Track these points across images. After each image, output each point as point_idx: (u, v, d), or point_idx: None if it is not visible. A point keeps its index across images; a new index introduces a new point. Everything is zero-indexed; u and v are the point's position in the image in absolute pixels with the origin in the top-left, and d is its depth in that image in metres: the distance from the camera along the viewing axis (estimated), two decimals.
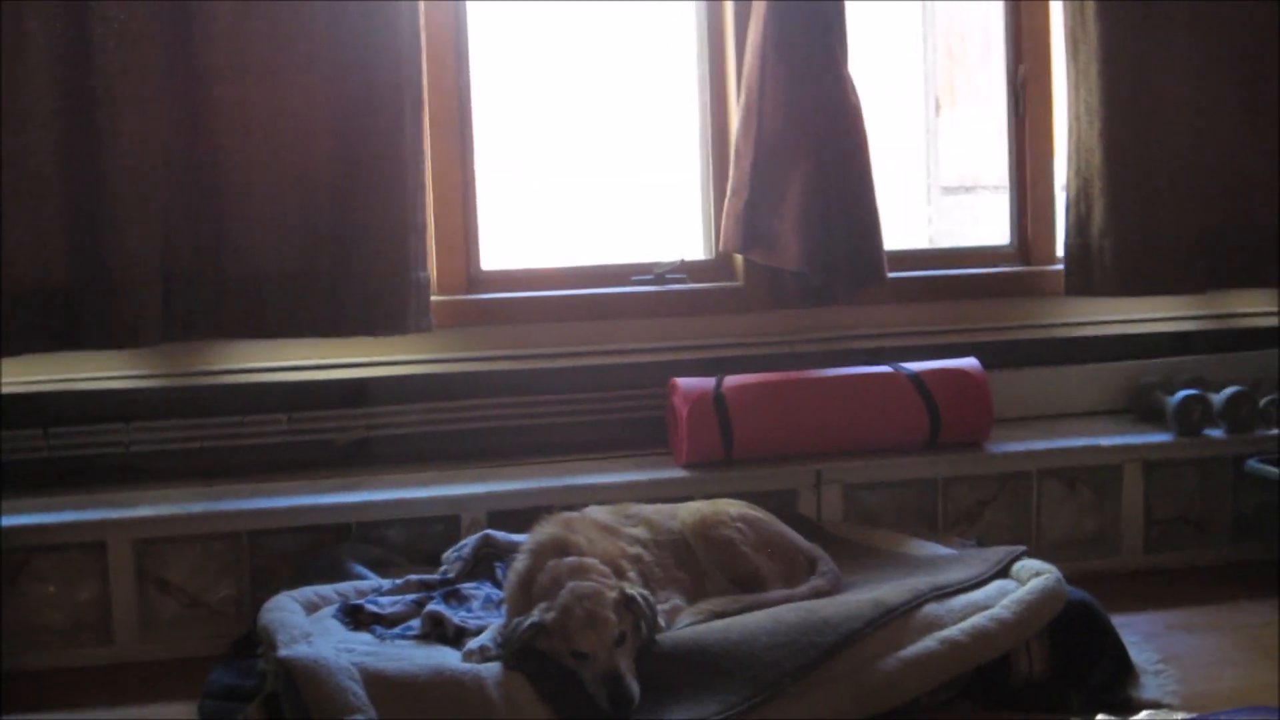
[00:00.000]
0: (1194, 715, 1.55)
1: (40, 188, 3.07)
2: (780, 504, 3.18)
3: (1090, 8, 3.53)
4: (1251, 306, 3.77)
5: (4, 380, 3.11)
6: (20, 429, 3.23)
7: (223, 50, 3.14)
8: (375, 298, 3.22)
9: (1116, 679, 2.65)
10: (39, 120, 3.06)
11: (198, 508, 3.08)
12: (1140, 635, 2.90)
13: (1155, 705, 2.42)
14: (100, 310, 3.10)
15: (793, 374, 3.42)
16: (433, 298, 3.33)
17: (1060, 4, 3.61)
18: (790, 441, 3.33)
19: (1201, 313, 3.74)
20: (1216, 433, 3.45)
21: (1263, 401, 3.48)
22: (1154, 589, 3.26)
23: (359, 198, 3.21)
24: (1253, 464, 3.28)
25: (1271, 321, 3.77)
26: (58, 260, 3.10)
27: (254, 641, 2.79)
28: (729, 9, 3.54)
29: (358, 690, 2.43)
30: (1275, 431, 3.46)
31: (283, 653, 2.51)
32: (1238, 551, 3.46)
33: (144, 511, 3.05)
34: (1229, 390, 3.47)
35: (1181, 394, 3.46)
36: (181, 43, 3.13)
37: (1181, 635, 2.97)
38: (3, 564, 2.94)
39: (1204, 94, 3.58)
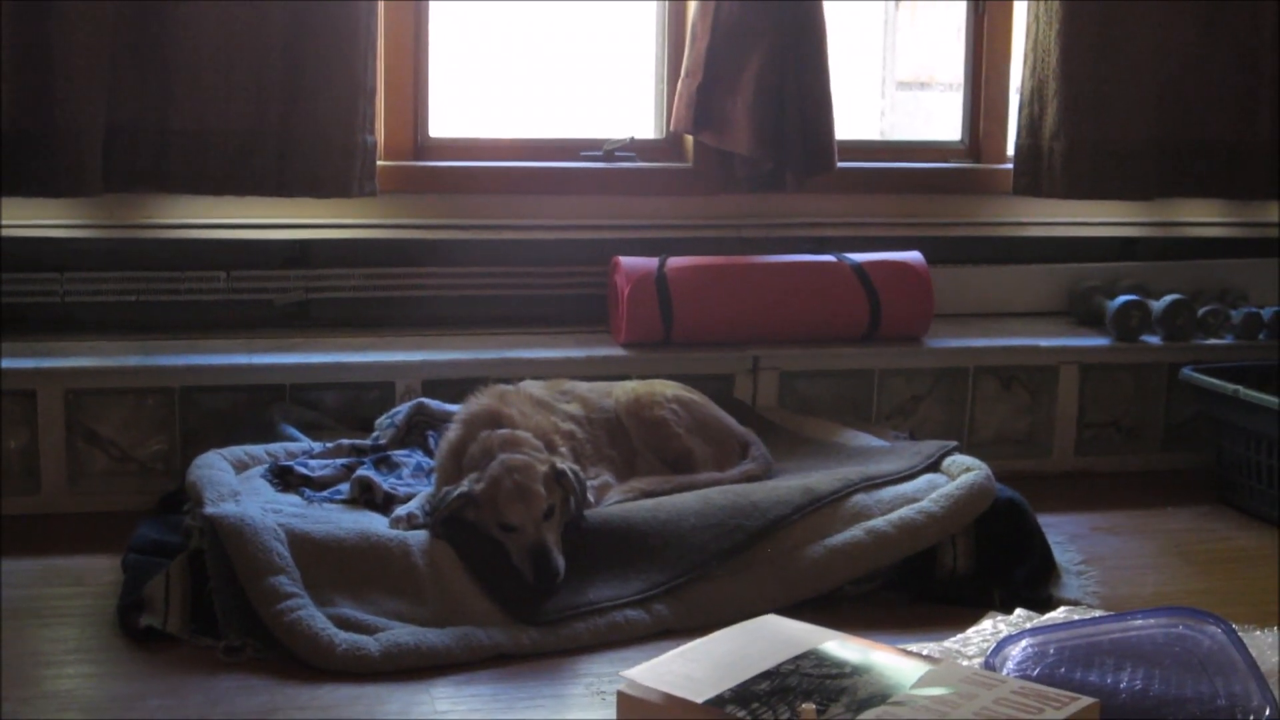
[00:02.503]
0: (1109, 614, 1.56)
1: None
2: (716, 388, 3.19)
3: None
4: (1197, 216, 3.78)
5: None
6: None
7: None
8: (321, 159, 3.19)
9: (1039, 577, 2.69)
10: None
11: (131, 361, 3.06)
12: (1065, 536, 2.94)
13: (1074, 604, 2.45)
14: (40, 157, 3.07)
15: (737, 258, 3.42)
16: (379, 162, 3.30)
17: None
18: (730, 326, 3.33)
19: (1147, 219, 3.75)
20: (1154, 339, 3.48)
21: (1201, 311, 3.50)
22: (1082, 491, 3.30)
23: (309, 57, 3.17)
24: (1187, 372, 3.29)
25: (1215, 232, 3.78)
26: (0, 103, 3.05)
27: (181, 498, 2.79)
28: None
29: (283, 551, 2.44)
30: (1212, 341, 3.48)
31: (209, 510, 2.52)
32: (1167, 459, 3.50)
33: (76, 362, 3.04)
34: (1168, 298, 3.49)
35: (1121, 299, 3.48)
36: None
37: (1106, 538, 3.01)
38: None
39: (1165, 6, 3.56)
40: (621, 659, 2.37)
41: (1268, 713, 1.33)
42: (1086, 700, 1.28)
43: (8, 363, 3.00)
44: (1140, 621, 1.50)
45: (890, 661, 1.40)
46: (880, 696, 1.31)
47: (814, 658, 1.40)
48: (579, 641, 2.42)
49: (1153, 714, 1.36)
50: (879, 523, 2.66)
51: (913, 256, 3.43)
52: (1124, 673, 1.41)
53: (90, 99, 3.07)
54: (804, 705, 1.17)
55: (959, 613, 2.53)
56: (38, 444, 3.01)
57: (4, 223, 3.16)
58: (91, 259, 3.28)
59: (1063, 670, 1.42)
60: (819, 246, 3.51)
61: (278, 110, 3.17)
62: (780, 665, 1.37)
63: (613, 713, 2.12)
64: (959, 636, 1.58)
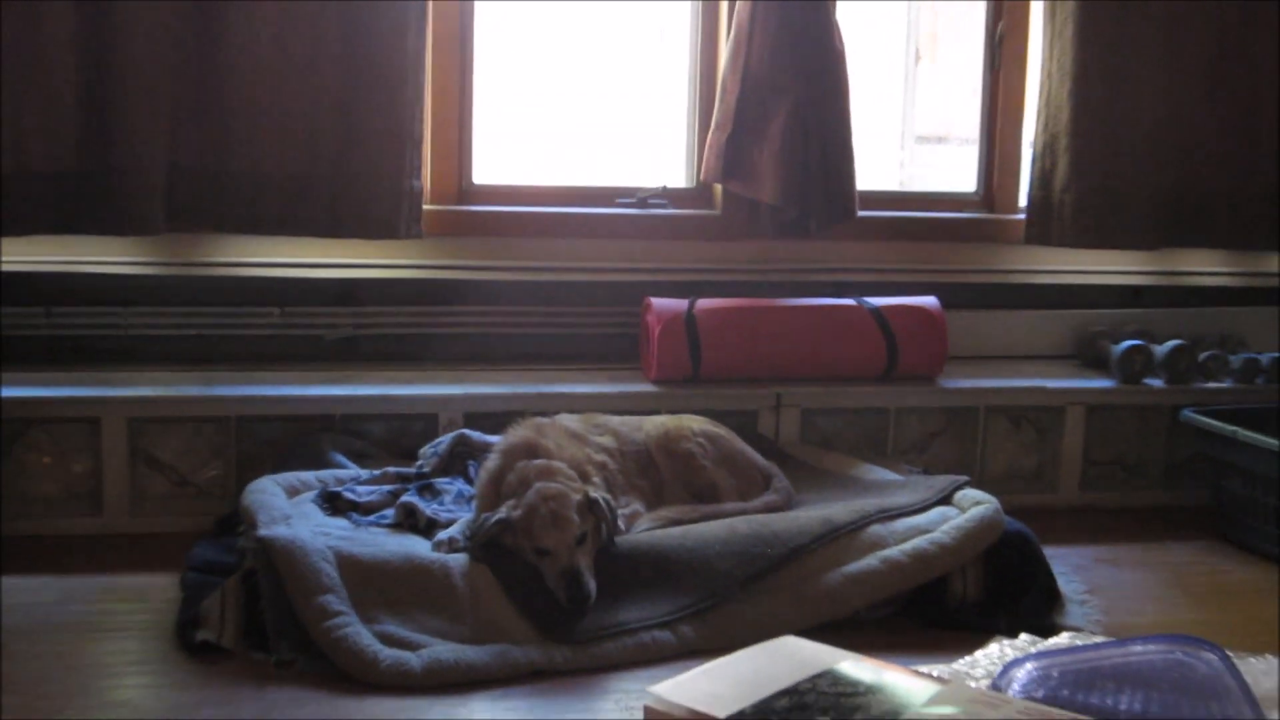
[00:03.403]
0: (1111, 640, 1.56)
1: (54, 75, 3.04)
2: (741, 423, 3.20)
3: None
4: (1199, 266, 3.78)
5: (10, 259, 3.09)
6: (23, 306, 3.22)
7: None
8: (370, 202, 3.21)
9: (1044, 606, 2.69)
10: (56, 10, 3.02)
11: (190, 391, 3.09)
12: (1070, 567, 2.93)
13: (1077, 631, 2.45)
14: (106, 197, 3.09)
15: (761, 301, 3.43)
16: (425, 206, 3.32)
17: None
18: (754, 365, 3.34)
19: (1151, 269, 3.74)
20: (1156, 382, 3.47)
21: (1202, 356, 3.50)
22: (1086, 525, 3.30)
23: (360, 105, 3.19)
24: (1188, 414, 3.29)
25: (1216, 281, 3.78)
26: (67, 145, 3.08)
27: (236, 520, 2.81)
28: None
29: (331, 572, 2.45)
30: (1212, 384, 3.48)
31: (262, 532, 2.54)
32: (1168, 496, 3.49)
33: (138, 392, 3.06)
34: (1171, 343, 3.49)
35: (1126, 344, 3.48)
36: None
37: (1108, 569, 3.01)
38: (1, 433, 2.93)
39: (1171, 67, 3.57)
40: (649, 677, 2.37)
41: None
42: None
43: (74, 391, 3.04)
44: (1140, 648, 1.50)
45: (902, 682, 1.41)
46: (892, 715, 1.31)
47: (830, 677, 1.41)
48: (609, 660, 2.43)
49: None
50: (893, 552, 2.67)
51: (929, 301, 3.44)
52: (1124, 696, 1.42)
53: (152, 142, 3.09)
54: None
55: (968, 638, 2.52)
56: (101, 468, 3.02)
57: (70, 259, 3.20)
58: (153, 294, 3.31)
59: (1065, 693, 1.42)
60: (839, 291, 3.51)
61: (330, 156, 3.19)
62: (798, 684, 1.38)
63: None
64: (967, 659, 1.59)
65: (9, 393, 2.95)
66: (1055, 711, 1.29)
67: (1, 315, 3.14)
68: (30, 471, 3.01)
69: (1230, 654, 1.45)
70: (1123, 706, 1.39)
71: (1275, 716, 1.34)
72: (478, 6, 3.45)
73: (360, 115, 3.19)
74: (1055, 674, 1.46)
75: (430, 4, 3.27)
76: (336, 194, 3.20)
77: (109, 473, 3.03)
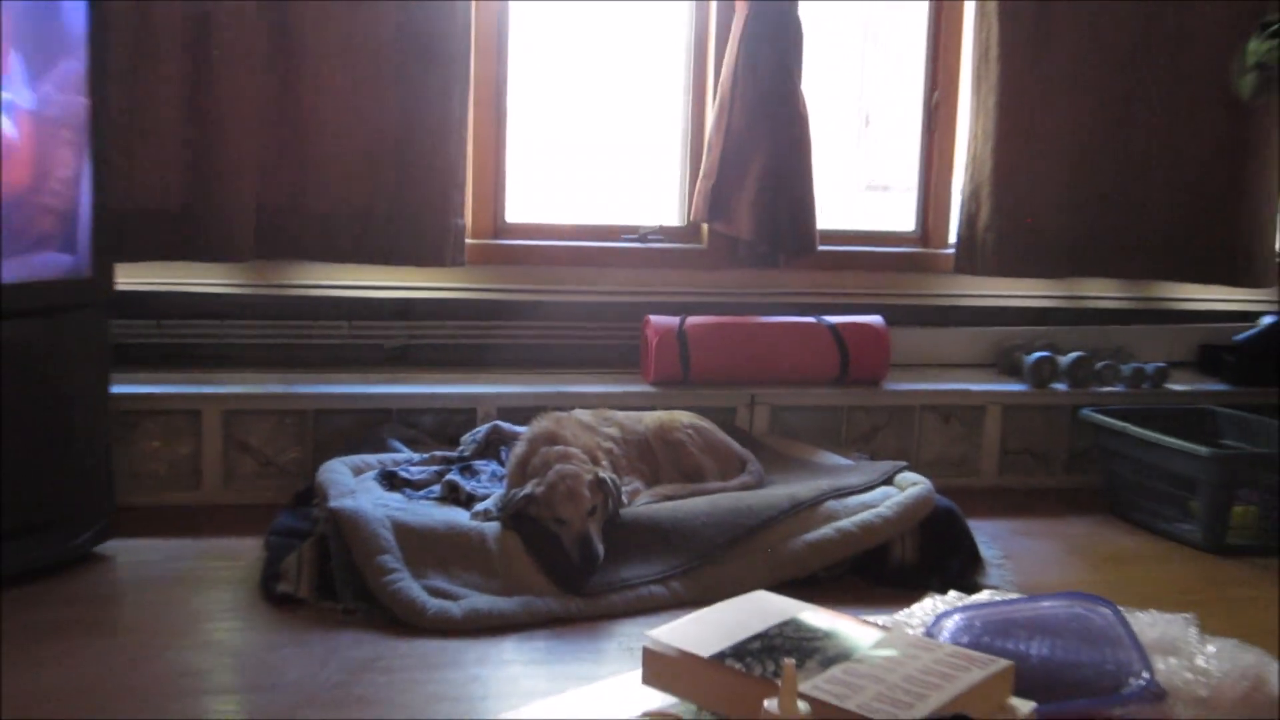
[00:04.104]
0: (1022, 596, 1.56)
1: (163, 131, 3.05)
2: (722, 417, 3.19)
3: (993, 51, 3.51)
4: (1096, 292, 3.78)
5: (128, 281, 3.08)
6: (138, 319, 3.21)
7: (312, 31, 3.11)
8: (421, 236, 3.20)
9: (968, 568, 2.69)
10: (166, 76, 3.04)
11: (274, 389, 3.08)
12: (989, 536, 2.92)
13: (995, 589, 2.44)
14: (205, 230, 3.10)
15: (740, 319, 3.42)
16: (466, 240, 3.31)
17: (970, 46, 3.58)
18: (733, 370, 3.33)
19: (1057, 294, 3.75)
20: (1061, 387, 3.47)
21: (1098, 365, 3.50)
22: (1002, 503, 3.29)
23: (414, 155, 3.19)
24: (1086, 412, 3.30)
25: (1110, 304, 3.79)
26: (175, 188, 3.09)
27: (311, 494, 2.80)
28: (711, 31, 3.51)
29: (388, 536, 2.46)
30: (1106, 389, 3.48)
31: (333, 504, 2.54)
32: (1069, 479, 3.49)
33: (231, 389, 3.06)
34: (1073, 355, 3.49)
35: (1036, 355, 3.48)
36: (280, 23, 3.10)
37: (1020, 539, 3.00)
38: (119, 423, 2.92)
39: (1074, 128, 3.58)
40: (646, 624, 2.36)
41: (1145, 675, 1.33)
42: (1004, 662, 1.28)
43: (179, 389, 3.03)
44: (1047, 603, 1.50)
45: (852, 629, 1.41)
46: (844, 655, 1.31)
47: (794, 625, 1.40)
48: (613, 610, 2.42)
49: (1055, 675, 1.37)
50: (845, 523, 2.66)
51: (875, 319, 3.44)
52: (1034, 642, 1.42)
53: (243, 185, 3.10)
54: (786, 660, 1.17)
55: (906, 594, 2.51)
56: (201, 452, 3.03)
57: (176, 281, 3.21)
58: (244, 310, 3.30)
59: (986, 639, 1.42)
60: (802, 310, 3.50)
61: (388, 197, 3.19)
62: (768, 630, 1.38)
63: (638, 664, 2.13)
64: (905, 611, 1.59)
65: (127, 390, 2.94)
66: (978, 654, 1.29)
67: (120, 326, 3.13)
68: (143, 454, 3.01)
69: (1121, 609, 1.45)
70: (1033, 651, 1.39)
71: (1159, 663, 1.34)
72: (510, 75, 3.45)
73: (414, 164, 3.19)
74: (978, 624, 1.46)
75: (472, 69, 3.27)
76: (394, 229, 3.19)
77: (207, 455, 3.03)
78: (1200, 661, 1.35)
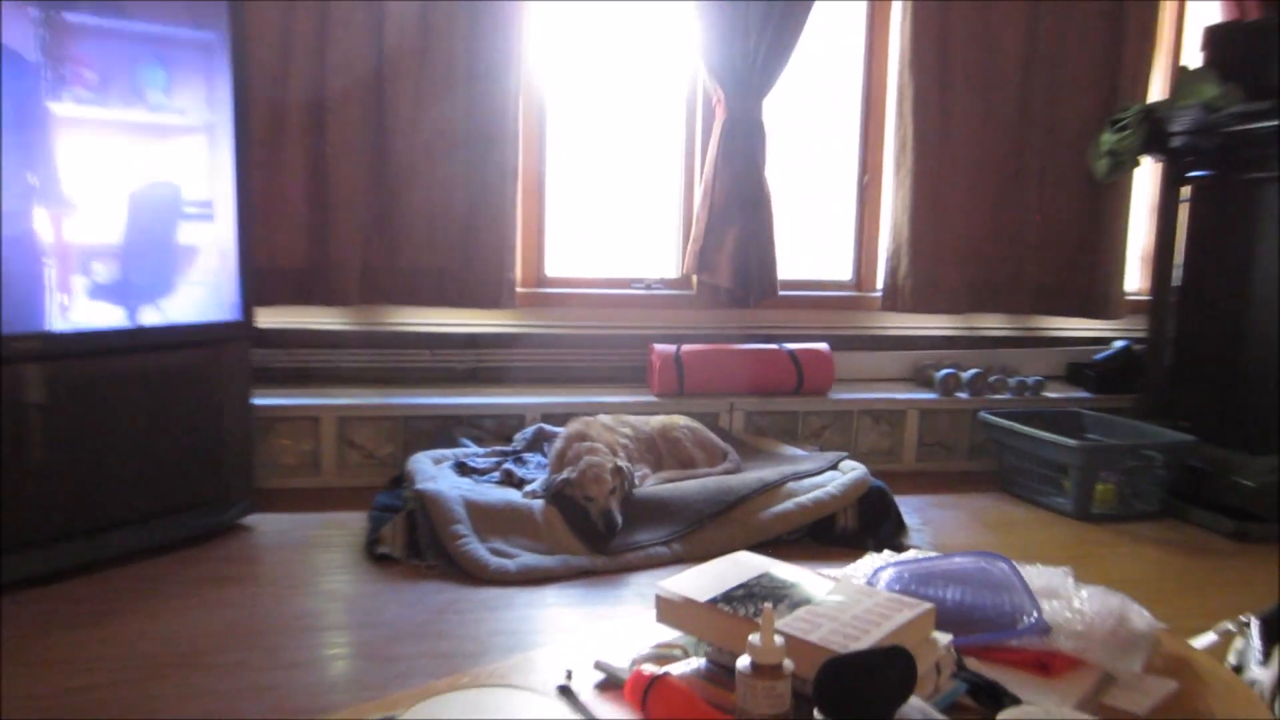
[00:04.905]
0: (940, 554, 1.54)
1: (291, 207, 3.07)
2: (709, 420, 3.19)
3: (908, 144, 3.52)
4: (989, 324, 3.77)
5: (266, 320, 3.10)
6: (273, 348, 3.22)
7: (400, 132, 3.12)
8: (483, 286, 3.21)
9: (896, 532, 2.69)
10: (289, 168, 3.06)
11: (374, 401, 3.08)
12: (911, 509, 2.92)
13: (918, 549, 2.43)
14: (323, 282, 3.11)
15: (721, 346, 3.42)
16: (517, 289, 3.32)
17: (891, 139, 3.58)
18: (716, 385, 3.32)
19: (958, 325, 3.74)
20: (964, 395, 3.46)
21: (991, 379, 3.50)
22: (921, 483, 3.28)
23: (478, 225, 3.20)
24: (983, 415, 3.30)
25: (1000, 333, 3.78)
26: (300, 251, 3.10)
27: (401, 479, 2.81)
28: (699, 130, 3.52)
29: (460, 510, 2.46)
30: (997, 396, 3.47)
31: (419, 486, 2.55)
32: (971, 465, 3.48)
33: (343, 401, 3.06)
34: (972, 371, 3.49)
35: (943, 371, 3.48)
36: (376, 127, 3.12)
37: (935, 510, 2.99)
38: (259, 426, 2.93)
39: (972, 199, 3.58)
40: (654, 576, 2.37)
41: (1035, 614, 1.31)
42: (928, 605, 1.26)
43: (303, 400, 3.03)
44: (958, 559, 1.48)
45: (811, 580, 1.39)
46: (806, 600, 1.30)
47: (768, 577, 1.39)
48: (629, 565, 2.42)
49: (966, 615, 1.35)
50: (802, 499, 2.66)
51: (822, 345, 3.43)
52: (949, 589, 1.40)
53: (350, 248, 3.11)
54: (765, 605, 1.16)
55: (848, 553, 2.53)
56: (319, 448, 3.03)
57: (302, 320, 3.21)
58: (351, 341, 3.30)
59: (914, 587, 1.40)
60: (767, 339, 3.50)
61: (457, 257, 3.20)
62: (748, 581, 1.36)
63: (644, 606, 2.12)
64: (851, 566, 1.57)
65: (265, 402, 2.95)
66: (907, 599, 1.28)
67: (261, 354, 3.14)
68: (277, 449, 3.01)
69: (1014, 563, 1.43)
70: (948, 596, 1.38)
71: (1045, 604, 1.32)
72: (548, 160, 3.46)
73: (476, 231, 3.19)
74: (906, 575, 1.45)
75: (520, 159, 3.27)
76: (462, 281, 3.20)
77: (324, 450, 3.03)
78: (1076, 604, 1.34)
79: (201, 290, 2.52)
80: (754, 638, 1.05)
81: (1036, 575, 1.45)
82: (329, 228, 3.08)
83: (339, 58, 3.03)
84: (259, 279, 2.81)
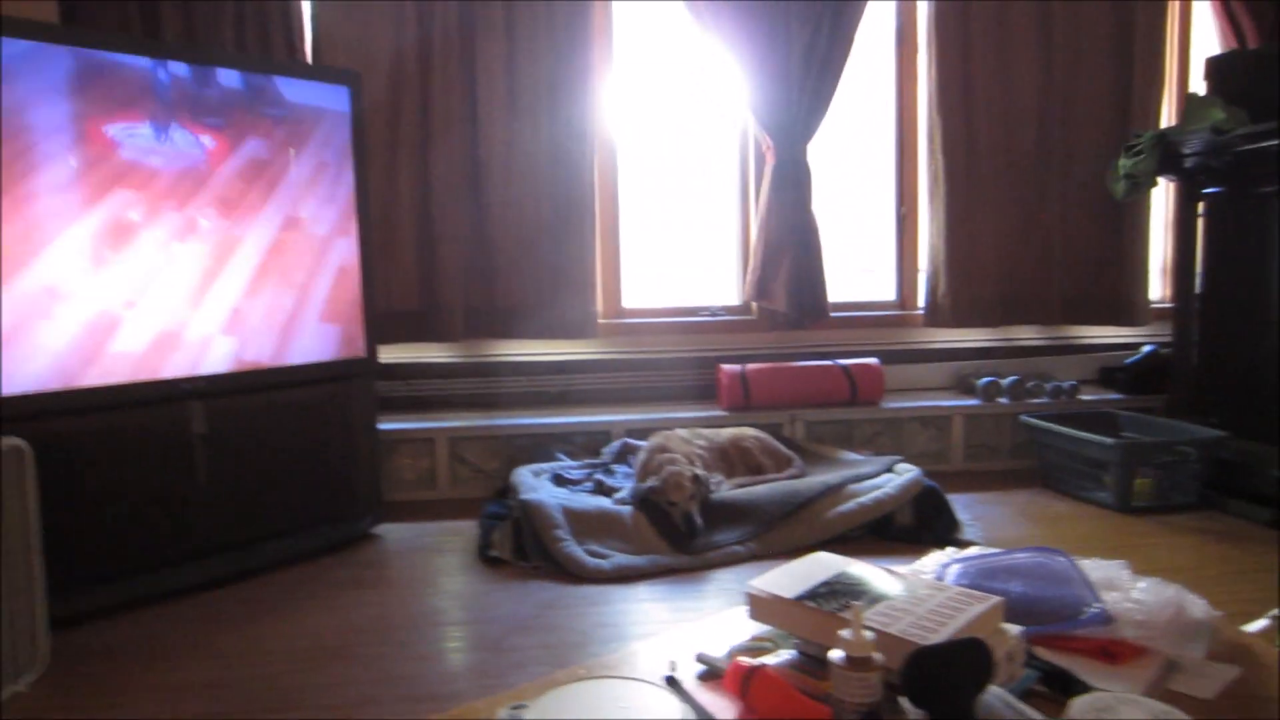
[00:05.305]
0: (1001, 550, 1.49)
1: (403, 256, 3.12)
2: (773, 430, 3.14)
3: (940, 176, 3.44)
4: (1024, 335, 3.65)
5: (386, 356, 3.14)
6: (393, 380, 3.26)
7: (495, 186, 3.16)
8: (570, 319, 3.21)
9: (949, 528, 2.60)
10: (402, 221, 3.10)
11: (481, 423, 3.09)
12: (962, 506, 2.83)
13: (972, 544, 2.35)
14: (433, 322, 3.14)
15: (781, 364, 3.36)
16: (599, 320, 3.33)
17: (924, 173, 3.51)
18: (779, 398, 3.27)
19: (996, 338, 3.63)
20: (1004, 400, 3.35)
21: (1029, 384, 3.38)
22: (968, 482, 3.18)
23: (564, 266, 3.20)
24: (1024, 417, 3.18)
25: (1034, 342, 3.66)
26: (411, 295, 3.14)
27: (507, 491, 2.82)
28: (752, 171, 3.48)
29: (560, 518, 2.45)
30: (1034, 401, 3.36)
31: (522, 496, 2.55)
32: (1013, 463, 3.35)
33: (453, 424, 3.07)
34: (1011, 378, 3.38)
35: (985, 379, 3.38)
36: (473, 187, 3.16)
37: (983, 506, 2.90)
38: (384, 448, 2.97)
39: (1002, 224, 3.48)
40: (732, 572, 2.34)
41: (1097, 605, 1.25)
42: (996, 598, 1.22)
43: (419, 424, 3.05)
44: (1019, 554, 1.43)
45: (884, 577, 1.35)
46: (883, 596, 1.26)
47: (845, 575, 1.35)
48: (710, 563, 2.39)
49: (1030, 607, 1.30)
50: (863, 499, 2.60)
51: (872, 360, 3.36)
52: (1013, 583, 1.35)
53: (455, 291, 3.13)
54: (854, 603, 1.13)
55: (907, 548, 2.46)
56: (435, 464, 3.05)
57: (417, 355, 3.25)
58: (459, 371, 3.32)
59: (979, 581, 1.35)
60: (822, 356, 3.44)
61: (547, 295, 3.20)
62: (829, 578, 1.33)
63: (726, 600, 2.08)
64: (918, 563, 1.52)
65: (388, 426, 2.99)
66: (976, 593, 1.23)
67: (383, 386, 3.19)
68: (400, 466, 3.04)
69: (1071, 557, 1.37)
70: (1013, 589, 1.32)
71: (1105, 595, 1.26)
72: (622, 199, 3.46)
73: (562, 272, 3.20)
74: (972, 570, 1.40)
75: (597, 204, 3.27)
76: (552, 316, 3.20)
77: (439, 467, 3.05)
78: (1135, 595, 1.27)
79: (335, 332, 2.57)
80: (845, 632, 1.01)
81: (1094, 568, 1.38)
82: (436, 276, 3.12)
83: (440, 127, 3.08)
84: (379, 320, 2.85)
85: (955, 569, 1.41)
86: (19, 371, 2.02)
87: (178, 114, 2.25)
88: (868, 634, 1.02)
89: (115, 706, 1.73)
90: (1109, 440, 2.84)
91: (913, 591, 1.26)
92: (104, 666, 1.89)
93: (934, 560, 1.51)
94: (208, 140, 2.31)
